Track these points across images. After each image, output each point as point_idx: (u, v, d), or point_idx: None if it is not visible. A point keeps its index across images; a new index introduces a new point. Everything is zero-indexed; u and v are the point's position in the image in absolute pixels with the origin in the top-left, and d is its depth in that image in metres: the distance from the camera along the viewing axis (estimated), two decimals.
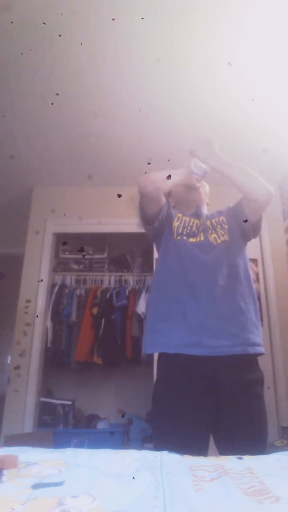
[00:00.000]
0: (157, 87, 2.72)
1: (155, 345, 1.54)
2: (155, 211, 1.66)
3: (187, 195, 1.78)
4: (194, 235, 1.64)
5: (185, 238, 1.62)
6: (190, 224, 1.68)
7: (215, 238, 1.62)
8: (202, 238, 1.62)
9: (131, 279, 4.35)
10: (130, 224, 3.97)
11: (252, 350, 1.47)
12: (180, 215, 1.71)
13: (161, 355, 1.54)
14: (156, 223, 1.68)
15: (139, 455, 0.96)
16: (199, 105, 2.87)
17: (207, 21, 2.24)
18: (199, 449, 1.28)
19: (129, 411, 4.01)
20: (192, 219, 1.70)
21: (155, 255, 3.83)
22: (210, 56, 2.46)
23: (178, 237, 1.63)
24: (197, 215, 1.74)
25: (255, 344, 1.49)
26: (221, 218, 1.71)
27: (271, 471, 0.84)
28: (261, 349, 1.51)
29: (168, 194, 1.78)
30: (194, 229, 1.66)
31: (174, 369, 1.46)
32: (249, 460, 0.94)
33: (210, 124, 2.98)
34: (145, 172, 1.65)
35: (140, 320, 3.95)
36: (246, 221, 1.63)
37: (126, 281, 4.35)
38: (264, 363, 1.59)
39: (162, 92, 2.78)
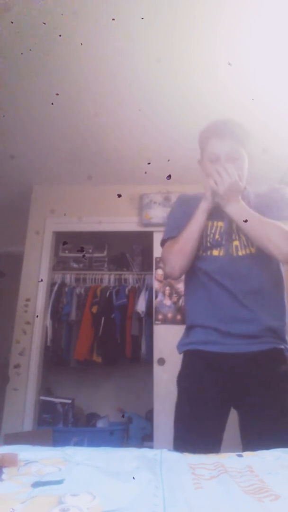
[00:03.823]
0: (157, 87, 2.72)
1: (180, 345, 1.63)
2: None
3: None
4: (217, 245, 1.55)
5: (208, 252, 1.55)
6: (213, 230, 1.58)
7: (237, 247, 1.52)
8: (222, 252, 1.53)
9: (130, 277, 4.36)
10: (130, 223, 4.04)
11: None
12: None
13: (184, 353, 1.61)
14: None
15: (138, 453, 0.96)
16: (199, 105, 2.87)
17: (207, 21, 2.23)
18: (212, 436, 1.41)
19: (128, 410, 4.02)
20: (215, 222, 1.58)
21: (155, 253, 3.86)
22: (210, 55, 2.46)
23: (203, 253, 1.57)
24: (221, 215, 1.57)
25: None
26: None
27: (271, 469, 0.84)
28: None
29: None
30: (217, 236, 1.56)
31: (194, 360, 1.54)
32: (248, 458, 0.94)
33: None
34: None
35: (140, 318, 3.96)
36: None
37: (125, 280, 4.36)
38: None
39: (162, 92, 2.78)
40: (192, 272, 1.60)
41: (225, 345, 1.45)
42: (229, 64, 2.46)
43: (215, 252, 1.54)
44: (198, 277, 1.58)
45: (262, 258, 1.49)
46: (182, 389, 1.55)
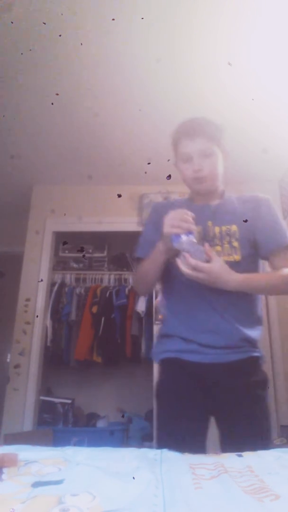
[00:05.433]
0: (157, 87, 2.73)
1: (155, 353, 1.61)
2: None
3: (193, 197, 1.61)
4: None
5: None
6: None
7: (218, 254, 1.39)
8: None
9: (130, 277, 4.35)
10: (130, 223, 4.03)
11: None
12: None
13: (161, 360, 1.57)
14: None
15: (139, 453, 0.96)
16: (199, 105, 2.86)
17: (207, 21, 2.24)
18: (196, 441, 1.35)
19: (128, 410, 4.02)
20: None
21: None
22: (210, 55, 2.46)
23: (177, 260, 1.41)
24: (200, 217, 1.43)
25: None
26: (233, 228, 1.45)
27: (271, 469, 0.84)
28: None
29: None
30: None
31: (174, 369, 1.50)
32: (249, 458, 0.94)
33: None
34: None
35: (140, 319, 3.96)
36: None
37: (125, 280, 4.36)
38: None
39: (162, 92, 2.78)
40: (168, 280, 1.53)
41: (204, 354, 1.44)
42: (229, 64, 2.46)
43: None
44: (174, 286, 1.51)
45: (245, 266, 1.42)
46: (162, 398, 1.52)
